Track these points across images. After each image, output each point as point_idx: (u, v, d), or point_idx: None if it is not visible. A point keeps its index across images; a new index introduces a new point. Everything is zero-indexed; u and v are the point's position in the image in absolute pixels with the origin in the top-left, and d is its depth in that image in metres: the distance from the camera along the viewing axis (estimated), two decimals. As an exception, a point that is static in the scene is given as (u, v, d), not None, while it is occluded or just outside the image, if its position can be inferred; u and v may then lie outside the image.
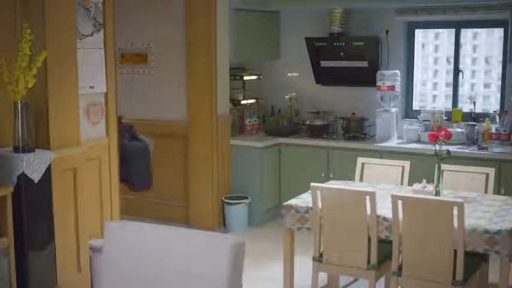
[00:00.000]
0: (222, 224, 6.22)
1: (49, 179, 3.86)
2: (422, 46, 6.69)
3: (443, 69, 6.65)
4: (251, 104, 6.89)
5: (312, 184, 4.05)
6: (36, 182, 3.73)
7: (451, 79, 6.48)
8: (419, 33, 6.62)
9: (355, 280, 4.76)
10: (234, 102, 6.60)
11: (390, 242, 3.84)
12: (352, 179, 4.90)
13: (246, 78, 6.74)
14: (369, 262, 3.91)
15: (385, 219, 3.85)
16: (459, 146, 5.77)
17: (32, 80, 3.70)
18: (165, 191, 6.38)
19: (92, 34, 4.47)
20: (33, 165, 3.71)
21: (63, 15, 4.06)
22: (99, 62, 4.55)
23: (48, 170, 3.83)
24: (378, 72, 6.28)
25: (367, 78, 6.37)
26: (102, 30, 4.54)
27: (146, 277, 2.36)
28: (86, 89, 4.40)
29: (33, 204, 3.77)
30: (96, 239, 4.29)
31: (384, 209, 3.89)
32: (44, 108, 3.96)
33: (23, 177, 3.67)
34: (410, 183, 4.57)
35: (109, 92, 4.64)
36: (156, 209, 6.32)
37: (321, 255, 4.08)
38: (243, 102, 6.74)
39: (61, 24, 4.04)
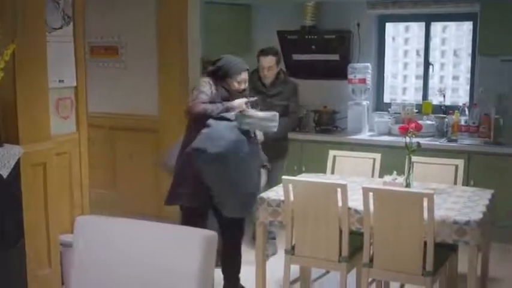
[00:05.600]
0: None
1: (18, 174, 3.82)
2: (393, 39, 6.74)
3: (413, 62, 6.71)
4: (223, 97, 6.85)
5: (284, 177, 4.06)
6: (5, 177, 3.69)
7: (420, 72, 6.54)
8: (389, 27, 6.67)
9: (327, 272, 4.80)
10: (206, 95, 6.57)
11: (361, 234, 3.87)
12: (324, 171, 4.93)
13: (218, 71, 6.71)
14: (340, 254, 3.93)
15: (356, 211, 3.88)
16: (429, 138, 5.84)
17: (0, 74, 3.65)
18: (136, 184, 6.34)
19: (61, 27, 4.42)
20: (1, 160, 3.66)
21: (32, 8, 4.01)
22: (69, 55, 4.51)
23: (17, 165, 3.78)
24: (349, 65, 6.31)
25: (338, 71, 6.41)
26: (71, 24, 4.49)
27: (117, 271, 2.34)
28: (56, 83, 4.36)
29: (2, 199, 3.73)
30: (67, 234, 4.25)
31: (355, 201, 3.91)
32: (13, 102, 3.91)
33: (-9, 173, 3.62)
34: (381, 176, 4.61)
35: (79, 85, 4.60)
36: (127, 203, 6.28)
37: (293, 247, 4.10)
38: (215, 95, 6.70)
39: (30, 17, 3.99)
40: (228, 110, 4.11)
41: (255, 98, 4.39)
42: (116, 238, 2.39)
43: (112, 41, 6.33)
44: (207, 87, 4.17)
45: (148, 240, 2.34)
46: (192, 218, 4.08)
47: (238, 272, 4.46)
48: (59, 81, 4.41)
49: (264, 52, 5.19)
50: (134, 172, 6.33)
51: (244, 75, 4.28)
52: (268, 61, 5.12)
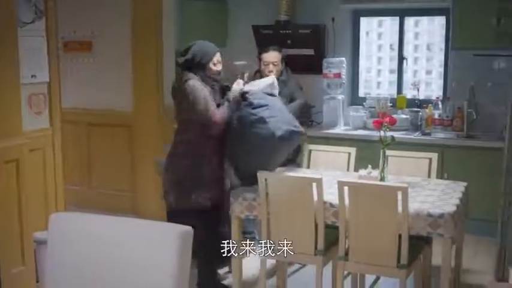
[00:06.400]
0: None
1: (-10, 171, 3.78)
2: (366, 33, 6.77)
3: (386, 56, 6.75)
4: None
5: (259, 172, 4.06)
6: (-23, 174, 3.65)
7: (394, 66, 6.59)
8: (363, 21, 6.70)
9: (303, 266, 4.81)
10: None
11: (337, 228, 3.88)
12: (299, 165, 4.93)
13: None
14: (316, 248, 3.95)
15: (331, 205, 3.89)
16: (404, 132, 5.89)
17: (-29, 69, 3.60)
18: (112, 181, 6.30)
19: (33, 22, 4.37)
20: (-27, 156, 3.61)
21: (3, 2, 3.95)
22: (41, 50, 4.45)
23: (-11, 161, 3.74)
24: (324, 59, 6.33)
25: (313, 65, 6.41)
26: (43, 18, 4.43)
27: (92, 268, 2.33)
28: (28, 78, 4.31)
29: (-26, 196, 3.68)
30: (41, 231, 4.21)
31: (331, 195, 3.93)
32: (-16, 98, 3.86)
33: (-37, 170, 3.58)
34: (356, 169, 4.63)
35: (52, 81, 4.55)
36: (103, 200, 6.24)
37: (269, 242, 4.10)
38: (190, 90, 6.67)
39: (0, 12, 3.93)
40: (238, 103, 4.16)
41: (247, 75, 4.47)
42: (91, 235, 2.37)
43: (86, 36, 6.27)
44: (204, 90, 4.15)
45: (124, 236, 2.32)
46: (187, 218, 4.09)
47: (214, 266, 4.47)
48: (32, 76, 4.36)
49: (265, 49, 5.21)
50: (109, 168, 6.28)
51: (219, 56, 4.30)
52: (272, 56, 5.12)
